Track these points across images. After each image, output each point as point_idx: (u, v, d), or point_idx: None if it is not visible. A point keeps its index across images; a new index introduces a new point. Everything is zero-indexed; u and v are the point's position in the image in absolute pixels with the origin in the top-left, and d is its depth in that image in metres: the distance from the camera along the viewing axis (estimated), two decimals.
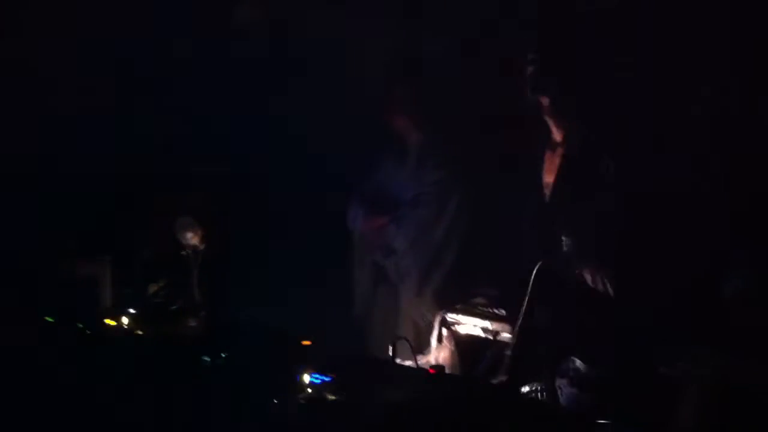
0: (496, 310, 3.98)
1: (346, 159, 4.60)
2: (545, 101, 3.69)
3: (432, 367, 3.10)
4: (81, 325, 3.49)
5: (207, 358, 3.16)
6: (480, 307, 4.06)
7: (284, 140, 4.82)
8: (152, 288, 4.29)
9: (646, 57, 3.84)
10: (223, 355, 3.12)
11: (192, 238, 4.25)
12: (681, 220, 3.49)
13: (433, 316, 4.13)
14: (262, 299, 4.39)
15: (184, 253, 4.26)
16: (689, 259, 3.45)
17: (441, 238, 4.29)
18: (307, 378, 3.06)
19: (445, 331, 4.05)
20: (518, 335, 3.48)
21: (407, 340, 3.23)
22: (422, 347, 4.12)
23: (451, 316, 4.06)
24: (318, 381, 3.05)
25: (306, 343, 3.32)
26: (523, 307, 3.42)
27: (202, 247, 4.25)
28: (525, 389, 3.41)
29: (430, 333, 4.11)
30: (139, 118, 4.88)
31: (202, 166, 4.78)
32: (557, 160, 3.75)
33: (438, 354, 4.00)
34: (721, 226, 3.51)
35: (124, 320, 3.53)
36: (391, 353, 3.43)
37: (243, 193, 4.81)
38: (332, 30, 4.75)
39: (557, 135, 3.76)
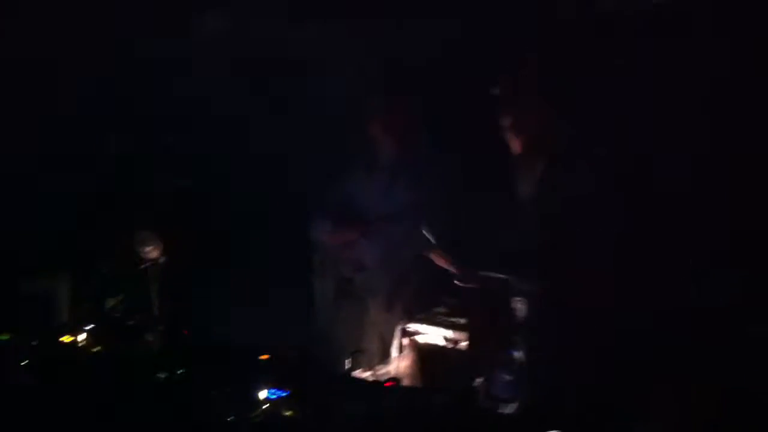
0: (456, 319, 4.00)
1: (312, 169, 4.57)
2: (516, 120, 3.67)
3: (389, 379, 3.09)
4: (36, 343, 3.44)
5: (163, 375, 3.13)
6: (440, 316, 4.07)
7: (247, 150, 4.80)
8: (110, 303, 4.26)
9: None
10: (179, 372, 3.09)
11: (151, 252, 4.21)
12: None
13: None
14: (224, 312, 4.38)
15: (143, 267, 4.23)
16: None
17: (413, 256, 4.23)
18: (264, 393, 3.04)
19: (405, 341, 4.06)
20: None
21: (364, 352, 3.22)
22: (387, 359, 4.12)
23: (411, 326, 4.06)
24: (275, 396, 3.04)
25: (264, 357, 3.31)
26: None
27: (161, 261, 4.23)
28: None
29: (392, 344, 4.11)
30: (98, 133, 4.84)
31: (163, 179, 4.75)
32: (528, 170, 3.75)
33: (398, 364, 4.01)
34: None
35: (80, 337, 3.49)
36: (349, 366, 3.42)
37: (205, 205, 4.78)
38: (308, 36, 4.72)
39: (519, 146, 3.75)
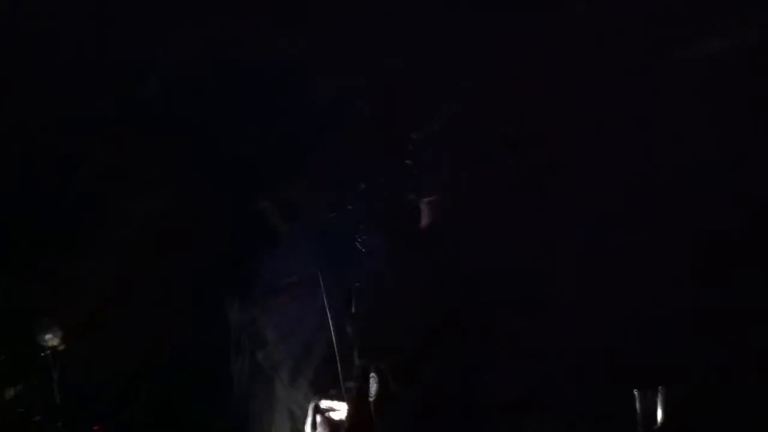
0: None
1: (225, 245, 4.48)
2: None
3: None
4: None
5: None
6: (352, 392, 4.07)
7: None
8: (9, 393, 4.08)
9: None
10: None
11: (51, 340, 4.07)
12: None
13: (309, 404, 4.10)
14: (137, 400, 4.24)
15: (43, 354, 4.08)
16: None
17: (313, 329, 4.20)
18: None
19: (319, 418, 4.04)
20: None
21: None
22: None
23: (324, 403, 4.05)
24: None
25: None
26: None
27: (62, 347, 4.08)
28: None
29: (305, 421, 4.08)
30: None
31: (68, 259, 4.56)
32: None
33: None
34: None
35: None
36: None
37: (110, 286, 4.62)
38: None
39: None
